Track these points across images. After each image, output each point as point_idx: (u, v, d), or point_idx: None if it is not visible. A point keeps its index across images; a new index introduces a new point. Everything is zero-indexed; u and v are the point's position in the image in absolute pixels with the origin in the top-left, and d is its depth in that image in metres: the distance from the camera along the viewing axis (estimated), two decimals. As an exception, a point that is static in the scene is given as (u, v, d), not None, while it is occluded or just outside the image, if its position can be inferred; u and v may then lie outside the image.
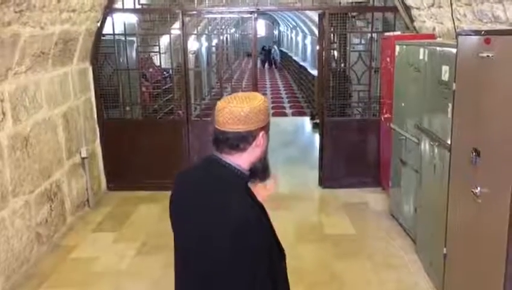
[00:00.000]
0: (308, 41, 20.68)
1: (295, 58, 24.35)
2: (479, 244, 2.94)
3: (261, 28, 41.72)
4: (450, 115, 3.42)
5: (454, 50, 3.26)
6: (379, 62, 6.17)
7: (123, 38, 6.22)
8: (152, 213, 5.57)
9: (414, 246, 4.49)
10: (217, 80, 16.39)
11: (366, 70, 6.16)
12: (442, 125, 3.68)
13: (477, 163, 2.90)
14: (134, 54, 6.57)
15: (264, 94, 17.45)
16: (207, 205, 1.61)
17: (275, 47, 32.39)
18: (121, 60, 6.28)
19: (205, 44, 16.27)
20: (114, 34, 6.01)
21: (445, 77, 3.57)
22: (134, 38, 6.40)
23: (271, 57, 31.64)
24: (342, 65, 6.88)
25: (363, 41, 6.80)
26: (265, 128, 1.65)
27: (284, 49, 32.89)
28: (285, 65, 29.46)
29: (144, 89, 6.75)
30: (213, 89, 16.79)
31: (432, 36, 4.97)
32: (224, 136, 1.60)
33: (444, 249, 3.47)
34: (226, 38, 25.21)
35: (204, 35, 14.29)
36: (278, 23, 38.85)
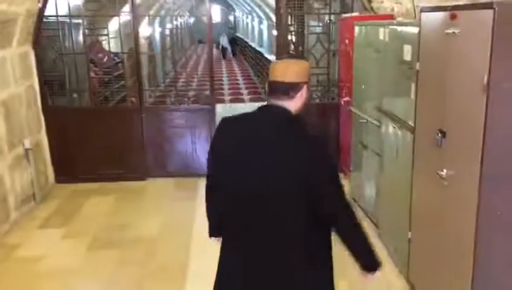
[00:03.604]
0: (264, 26, 20.46)
1: (252, 44, 24.07)
2: (446, 228, 2.85)
3: (216, 13, 41.12)
4: (413, 96, 3.32)
5: (416, 28, 3.15)
6: (337, 45, 6.05)
7: (69, 21, 5.82)
8: (104, 206, 5.26)
9: (377, 231, 4.42)
10: (172, 66, 15.94)
11: (325, 54, 6.03)
12: (404, 107, 3.57)
13: (442, 144, 2.80)
14: (81, 37, 6.14)
15: (221, 81, 17.23)
16: (278, 140, 1.93)
17: (224, 34, 28.34)
18: (67, 44, 5.88)
19: (159, 29, 15.77)
20: (57, 16, 5.60)
21: (407, 56, 3.46)
22: (80, 21, 5.99)
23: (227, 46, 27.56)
24: (300, 48, 6.72)
25: (320, 24, 6.66)
26: (308, 84, 2.05)
27: (240, 35, 32.26)
28: (241, 51, 28.99)
29: (92, 74, 6.37)
30: (167, 75, 16.29)
31: (391, 17, 4.87)
32: (286, 85, 1.98)
33: (409, 233, 3.40)
34: (181, 23, 24.60)
35: (157, 21, 13.81)
36: (234, 9, 38.36)
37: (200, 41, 29.95)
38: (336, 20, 6.17)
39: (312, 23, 6.65)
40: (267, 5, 14.21)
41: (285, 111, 1.99)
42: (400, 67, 3.62)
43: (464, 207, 2.62)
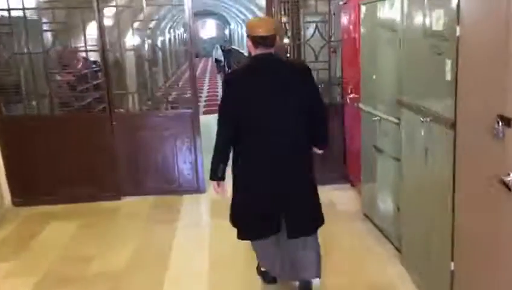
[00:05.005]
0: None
1: (246, 54, 23.31)
2: (516, 259, 1.95)
3: (211, 28, 40.54)
4: (449, 77, 2.45)
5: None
6: (339, 35, 5.20)
7: (32, 18, 4.98)
8: (65, 233, 4.35)
9: (399, 255, 3.51)
10: (164, 80, 15.16)
11: (325, 45, 5.18)
12: (436, 93, 2.70)
13: (505, 136, 1.92)
14: (44, 36, 5.21)
15: (216, 93, 16.45)
16: (282, 73, 2.80)
17: (217, 46, 25.90)
18: (22, 44, 5.01)
19: (148, 42, 14.92)
20: (9, 9, 4.76)
21: (438, 25, 2.59)
22: (43, 18, 5.12)
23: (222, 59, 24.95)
24: (297, 41, 5.84)
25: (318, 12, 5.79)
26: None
27: (235, 47, 31.38)
28: (238, 63, 27.97)
29: (58, 77, 5.52)
30: (161, 89, 15.45)
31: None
32: (271, 37, 2.74)
33: (451, 263, 2.49)
34: (174, 37, 23.80)
35: (148, 32, 12.94)
36: (229, 22, 37.81)
37: (195, 56, 28.91)
38: (336, 10, 5.33)
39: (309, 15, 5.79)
40: (260, 8, 13.47)
41: (274, 55, 2.78)
42: (427, 42, 2.74)
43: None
